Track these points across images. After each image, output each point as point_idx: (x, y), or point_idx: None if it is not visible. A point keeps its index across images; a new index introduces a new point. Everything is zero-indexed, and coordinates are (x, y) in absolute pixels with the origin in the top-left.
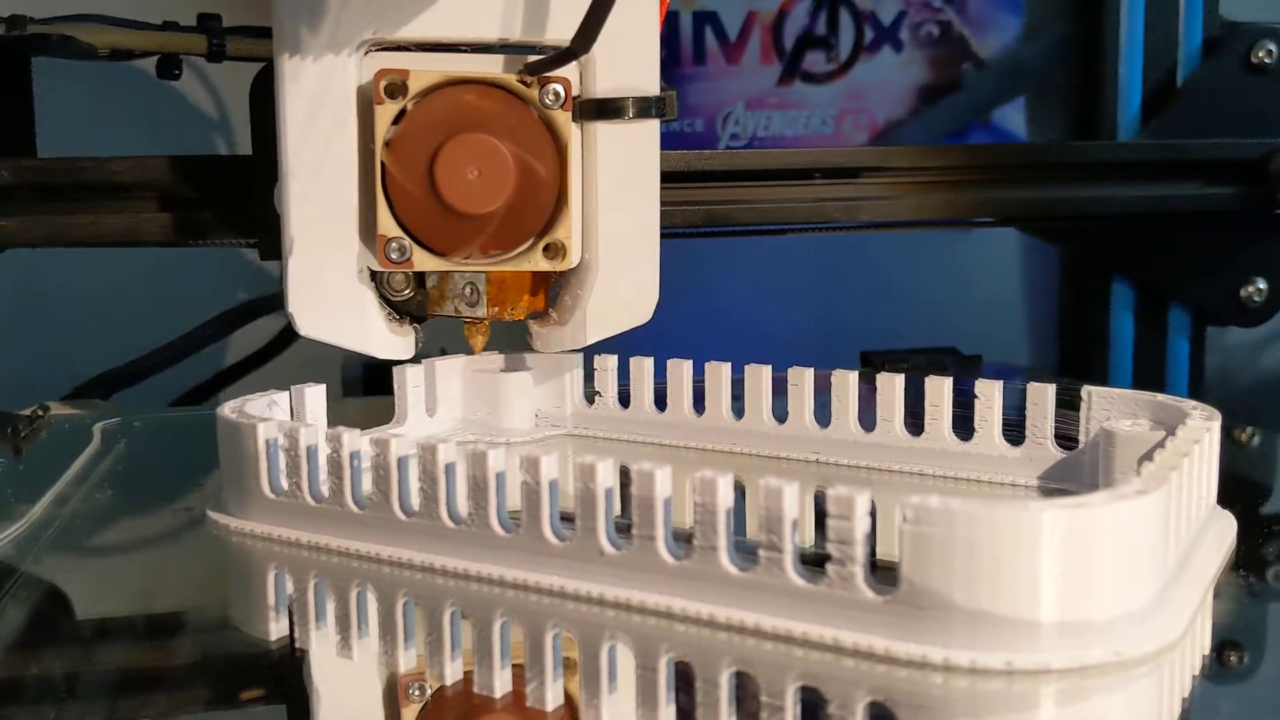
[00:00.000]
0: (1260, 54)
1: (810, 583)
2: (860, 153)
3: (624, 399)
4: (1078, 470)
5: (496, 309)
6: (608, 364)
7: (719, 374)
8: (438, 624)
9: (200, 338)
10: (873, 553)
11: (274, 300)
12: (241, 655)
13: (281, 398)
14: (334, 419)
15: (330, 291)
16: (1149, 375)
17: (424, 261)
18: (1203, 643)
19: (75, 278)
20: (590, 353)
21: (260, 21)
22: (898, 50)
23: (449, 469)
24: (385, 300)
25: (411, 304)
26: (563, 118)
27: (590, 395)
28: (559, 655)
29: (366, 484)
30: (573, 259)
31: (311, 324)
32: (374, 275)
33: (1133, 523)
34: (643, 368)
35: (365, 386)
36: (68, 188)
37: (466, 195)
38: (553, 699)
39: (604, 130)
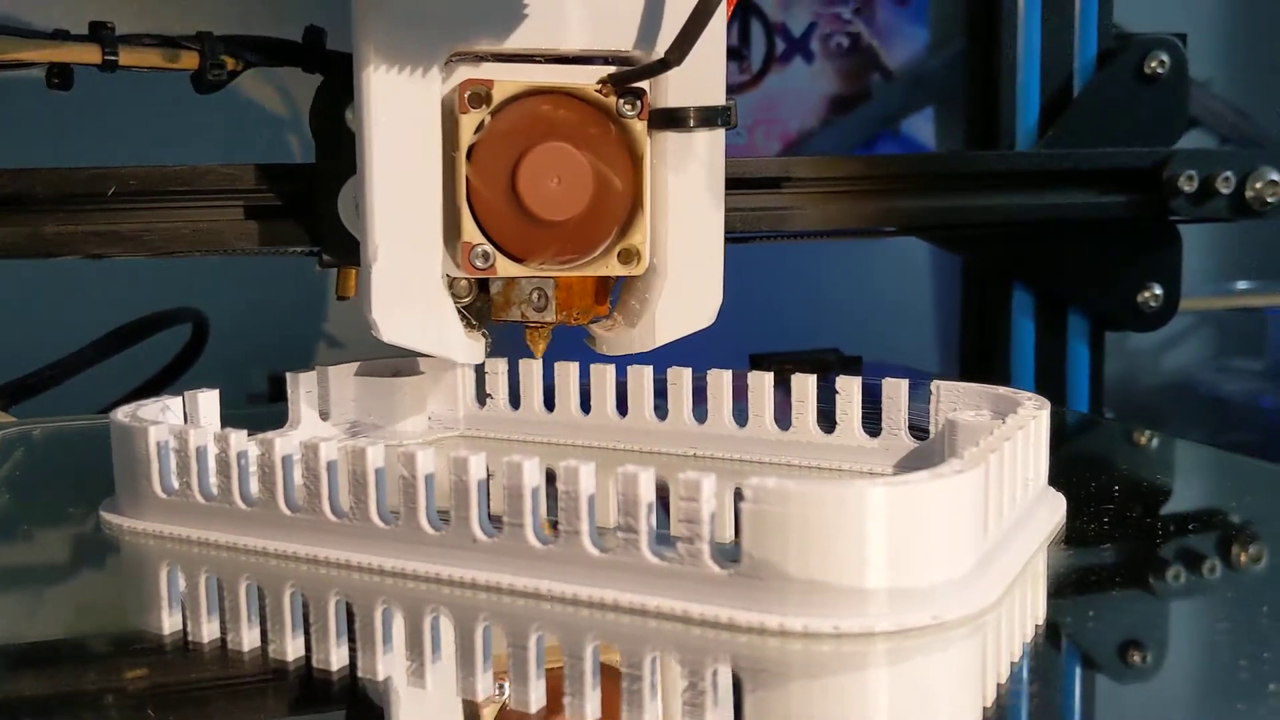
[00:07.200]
0: (1153, 64)
1: (662, 560)
2: (764, 163)
3: (516, 400)
4: (929, 458)
5: (564, 314)
6: (498, 367)
7: (603, 375)
8: (322, 612)
9: (100, 350)
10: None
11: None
12: (131, 648)
13: (175, 403)
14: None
15: (414, 298)
16: (1050, 380)
17: (506, 267)
18: (1023, 608)
19: None
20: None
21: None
22: (809, 61)
23: (330, 466)
24: None
25: (472, 310)
26: (639, 126)
27: (482, 397)
28: (439, 637)
29: (256, 485)
30: (645, 264)
31: (395, 331)
32: None
33: (951, 499)
34: (532, 369)
35: (270, 397)
36: None
37: (548, 203)
38: (432, 679)
39: (674, 139)
